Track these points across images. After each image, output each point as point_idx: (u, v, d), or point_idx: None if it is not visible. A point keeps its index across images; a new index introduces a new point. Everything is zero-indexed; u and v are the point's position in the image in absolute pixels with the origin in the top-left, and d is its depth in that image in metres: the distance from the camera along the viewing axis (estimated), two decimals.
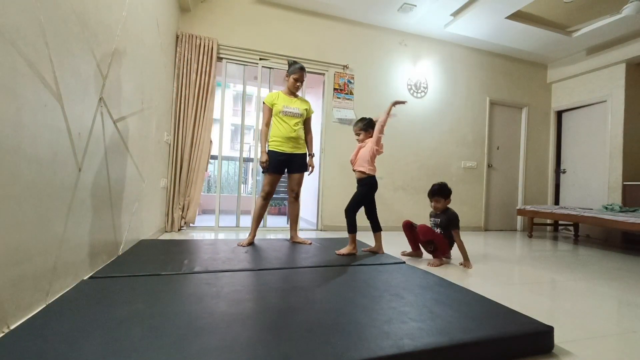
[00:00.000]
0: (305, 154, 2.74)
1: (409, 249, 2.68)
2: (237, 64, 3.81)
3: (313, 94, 4.75)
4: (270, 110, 2.61)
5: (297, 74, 2.59)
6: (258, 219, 2.63)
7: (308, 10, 3.98)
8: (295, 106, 2.62)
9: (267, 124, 2.63)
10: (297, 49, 3.92)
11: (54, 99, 1.25)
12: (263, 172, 2.62)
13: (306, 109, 2.69)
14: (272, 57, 3.83)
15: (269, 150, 2.61)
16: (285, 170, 2.68)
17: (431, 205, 2.55)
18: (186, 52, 3.42)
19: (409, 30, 4.37)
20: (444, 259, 2.46)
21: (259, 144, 2.93)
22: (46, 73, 1.19)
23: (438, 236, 2.41)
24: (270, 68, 3.87)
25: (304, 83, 2.88)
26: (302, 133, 2.68)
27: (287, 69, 2.66)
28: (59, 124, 1.28)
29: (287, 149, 2.60)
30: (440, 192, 2.47)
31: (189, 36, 3.43)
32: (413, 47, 4.46)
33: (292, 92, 2.66)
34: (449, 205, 2.52)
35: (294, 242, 2.75)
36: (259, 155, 2.86)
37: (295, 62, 2.64)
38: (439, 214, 2.50)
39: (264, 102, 2.62)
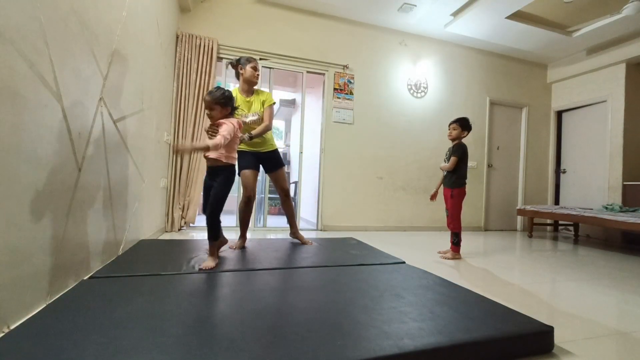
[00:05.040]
0: (277, 149, 2.55)
1: (409, 249, 2.68)
2: None
3: (313, 94, 4.74)
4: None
5: (252, 62, 2.28)
6: (244, 222, 2.51)
7: (308, 10, 3.98)
8: (253, 111, 2.38)
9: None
10: (297, 49, 3.92)
11: (54, 99, 1.25)
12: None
13: (263, 104, 2.39)
14: (272, 57, 3.83)
15: (239, 151, 2.32)
16: (262, 169, 2.53)
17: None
18: (186, 52, 3.42)
19: (409, 30, 4.37)
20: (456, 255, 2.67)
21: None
22: (46, 73, 1.19)
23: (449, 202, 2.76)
24: (270, 68, 3.87)
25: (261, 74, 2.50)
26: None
27: (235, 63, 2.36)
28: (59, 124, 1.28)
29: (254, 148, 2.45)
30: (456, 120, 2.64)
31: (189, 36, 3.43)
32: (413, 47, 4.46)
33: (250, 86, 2.37)
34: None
35: (295, 237, 2.71)
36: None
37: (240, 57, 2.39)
38: (451, 148, 2.67)
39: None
